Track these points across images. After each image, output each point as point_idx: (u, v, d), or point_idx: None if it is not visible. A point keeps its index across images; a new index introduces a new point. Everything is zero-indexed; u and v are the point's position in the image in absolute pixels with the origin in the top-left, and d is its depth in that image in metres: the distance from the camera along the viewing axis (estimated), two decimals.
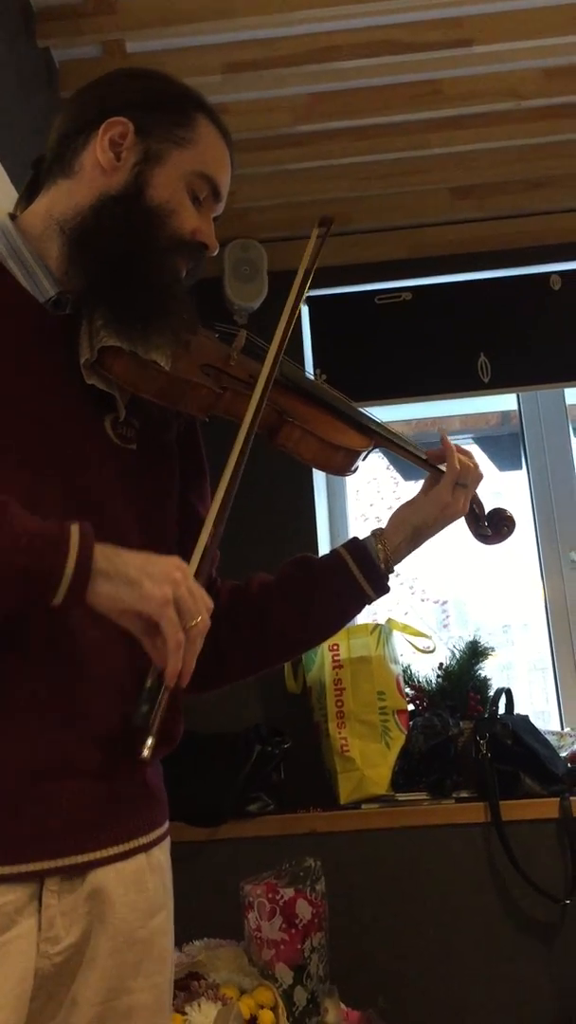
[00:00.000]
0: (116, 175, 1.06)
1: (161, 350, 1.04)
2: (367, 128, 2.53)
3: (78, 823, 0.95)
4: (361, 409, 1.25)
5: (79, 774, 0.96)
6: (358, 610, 1.21)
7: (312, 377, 1.25)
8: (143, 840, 1.02)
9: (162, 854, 1.07)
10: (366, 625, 2.51)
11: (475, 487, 1.22)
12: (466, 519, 1.28)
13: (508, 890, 2.23)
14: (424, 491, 1.23)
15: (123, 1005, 0.97)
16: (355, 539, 1.21)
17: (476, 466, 1.21)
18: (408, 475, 3.26)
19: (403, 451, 1.23)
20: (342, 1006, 1.97)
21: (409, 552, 1.21)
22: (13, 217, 1.10)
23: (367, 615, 2.98)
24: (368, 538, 1.21)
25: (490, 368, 2.83)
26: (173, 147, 1.08)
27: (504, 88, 2.41)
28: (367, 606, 1.21)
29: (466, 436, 3.78)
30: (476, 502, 1.27)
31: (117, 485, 1.06)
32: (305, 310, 2.93)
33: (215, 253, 1.14)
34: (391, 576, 1.20)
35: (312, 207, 2.82)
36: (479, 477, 1.21)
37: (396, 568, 1.22)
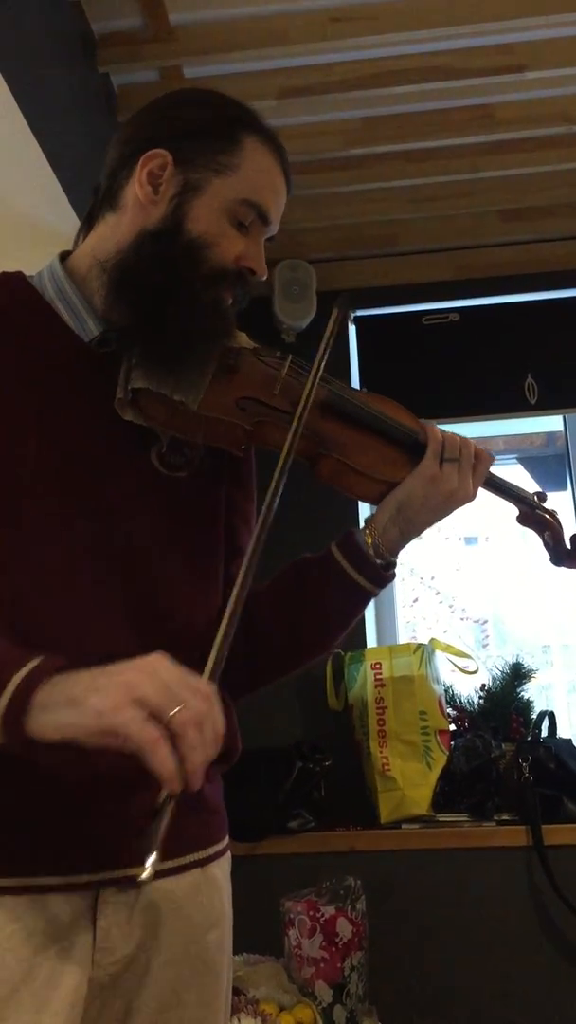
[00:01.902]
0: (155, 209, 1.04)
1: (189, 389, 1.02)
2: (418, 152, 2.56)
3: (134, 836, 0.95)
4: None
5: (137, 788, 0.95)
6: (361, 606, 1.12)
7: (358, 393, 1.17)
8: (199, 855, 1.02)
9: (219, 870, 1.06)
10: (409, 645, 2.51)
11: (472, 464, 1.12)
12: (544, 544, 1.21)
13: (549, 915, 2.22)
14: None
15: (175, 1018, 0.97)
16: (349, 531, 1.13)
17: (466, 442, 1.12)
18: None
19: (387, 437, 1.13)
20: None
21: (403, 535, 1.10)
22: (64, 257, 1.11)
23: (408, 634, 3.01)
24: (360, 528, 1.12)
25: (537, 389, 2.83)
26: (213, 176, 1.04)
27: (555, 113, 2.42)
28: (372, 598, 1.11)
29: (510, 456, 3.78)
30: (552, 528, 1.20)
31: (166, 519, 1.05)
32: (352, 330, 2.96)
33: (264, 278, 1.10)
34: (389, 563, 1.11)
35: (361, 228, 2.86)
36: (474, 454, 1.12)
37: (396, 555, 1.12)
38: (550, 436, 3.64)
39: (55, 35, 1.97)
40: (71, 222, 1.90)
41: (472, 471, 1.12)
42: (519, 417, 2.92)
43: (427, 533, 1.15)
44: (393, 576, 1.12)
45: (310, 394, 1.07)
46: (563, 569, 1.24)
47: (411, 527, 1.11)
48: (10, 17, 1.72)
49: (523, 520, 1.23)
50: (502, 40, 2.22)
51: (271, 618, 1.11)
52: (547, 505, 1.24)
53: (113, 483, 1.03)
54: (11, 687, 0.79)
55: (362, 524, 1.13)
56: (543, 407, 2.84)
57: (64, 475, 1.00)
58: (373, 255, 2.89)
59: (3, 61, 1.61)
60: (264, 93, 2.30)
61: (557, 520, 1.23)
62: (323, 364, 1.10)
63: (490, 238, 2.86)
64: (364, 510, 2.82)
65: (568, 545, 1.22)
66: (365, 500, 1.16)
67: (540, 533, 1.23)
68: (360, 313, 2.95)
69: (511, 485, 1.22)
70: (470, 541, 4.07)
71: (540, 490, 1.25)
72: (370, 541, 1.10)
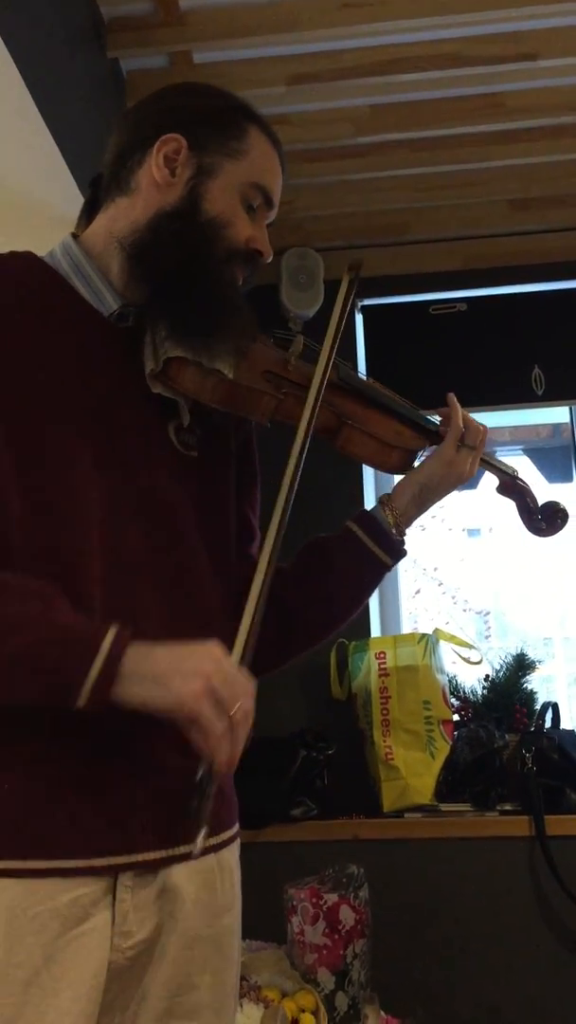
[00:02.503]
0: (171, 191, 1.09)
1: (224, 359, 1.07)
2: (427, 140, 2.54)
3: (153, 821, 0.98)
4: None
5: (155, 773, 0.98)
6: (377, 579, 1.20)
7: (366, 379, 1.26)
8: (213, 841, 1.03)
9: (231, 856, 1.08)
10: (413, 635, 2.52)
11: (481, 447, 1.21)
12: (520, 512, 1.30)
13: (551, 904, 2.23)
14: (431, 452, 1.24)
15: (189, 1001, 0.99)
16: (363, 510, 1.21)
17: (476, 426, 1.21)
18: None
19: (416, 424, 1.23)
20: (382, 1013, 1.98)
21: (418, 513, 1.20)
22: (75, 237, 1.14)
23: (411, 625, 3.01)
24: (375, 507, 1.21)
25: (544, 380, 2.82)
26: (226, 160, 1.10)
27: (566, 102, 2.40)
28: (388, 572, 1.20)
29: (516, 448, 3.77)
30: (530, 496, 1.28)
31: (180, 490, 1.09)
32: (359, 319, 2.95)
33: (270, 260, 1.16)
34: (404, 538, 1.20)
35: (369, 217, 2.84)
36: (480, 438, 1.21)
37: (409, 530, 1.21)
38: (556, 428, 3.63)
39: (65, 20, 1.96)
40: (78, 205, 1.90)
41: (480, 452, 1.22)
42: (525, 408, 2.92)
43: (431, 523, 1.21)
44: (406, 552, 1.20)
45: (330, 358, 1.13)
46: (540, 537, 1.31)
47: (426, 504, 1.20)
48: (21, 1, 1.71)
49: (503, 489, 1.32)
50: (513, 28, 2.20)
51: (299, 594, 1.17)
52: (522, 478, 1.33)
53: (138, 449, 1.07)
54: (101, 657, 0.88)
55: (372, 505, 1.21)
56: (550, 398, 2.83)
57: (91, 438, 1.03)
58: (381, 244, 2.88)
59: (14, 45, 1.60)
60: (274, 79, 2.29)
61: (532, 490, 1.31)
62: (340, 330, 1.16)
63: (499, 228, 2.84)
64: (368, 497, 2.82)
65: (540, 515, 1.30)
66: (385, 468, 1.23)
67: (519, 502, 1.31)
68: (367, 302, 2.94)
69: (496, 459, 1.30)
70: (473, 533, 4.07)
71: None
72: (391, 519, 1.18)
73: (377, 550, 1.17)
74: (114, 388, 1.07)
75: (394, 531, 1.18)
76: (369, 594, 1.22)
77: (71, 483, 1.00)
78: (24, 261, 1.10)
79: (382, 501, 1.20)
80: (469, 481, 1.22)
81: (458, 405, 1.21)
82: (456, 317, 2.91)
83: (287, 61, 2.28)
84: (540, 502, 1.31)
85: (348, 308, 1.19)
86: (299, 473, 1.08)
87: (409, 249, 2.88)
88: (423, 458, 1.23)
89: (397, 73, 2.28)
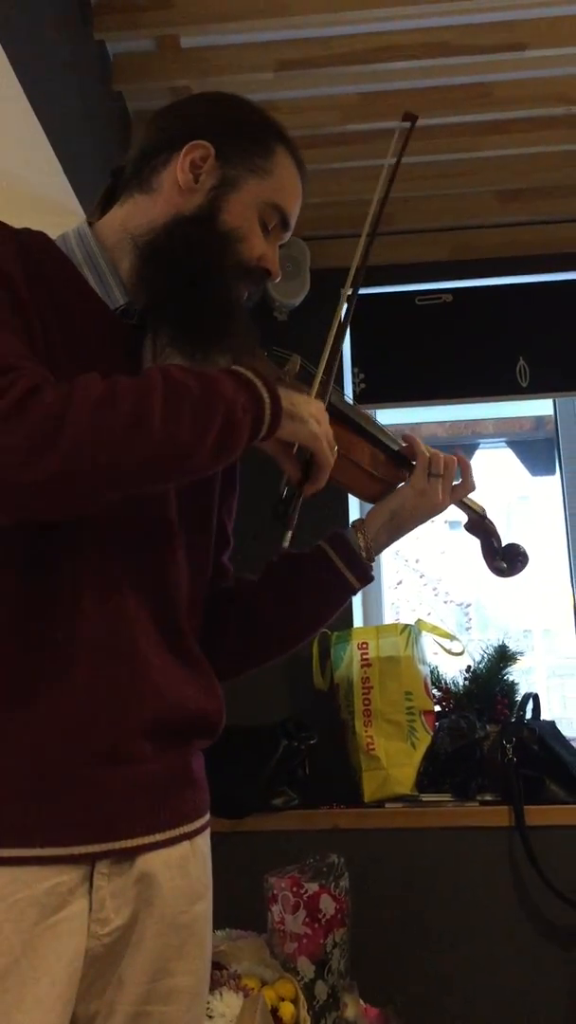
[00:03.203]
0: (193, 197, 1.09)
1: None
2: (416, 129, 2.52)
3: (129, 808, 0.99)
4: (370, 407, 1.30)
5: (131, 760, 0.99)
6: (343, 600, 1.24)
7: (352, 405, 1.31)
8: (188, 828, 1.05)
9: (204, 843, 1.10)
10: (396, 625, 2.52)
11: (451, 478, 1.26)
12: (483, 551, 1.35)
13: (530, 895, 2.24)
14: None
15: (165, 987, 1.00)
16: (336, 531, 1.25)
17: (447, 460, 1.26)
18: None
19: (397, 456, 1.28)
20: (361, 1002, 1.99)
21: (389, 541, 1.25)
22: (90, 224, 1.14)
23: (392, 616, 3.01)
24: (348, 530, 1.24)
25: (529, 373, 2.82)
26: (250, 175, 1.11)
27: (555, 93, 2.40)
28: (354, 594, 1.24)
29: (499, 440, 3.78)
30: (495, 536, 1.33)
31: (168, 494, 1.10)
32: (345, 309, 2.93)
33: (278, 280, 1.18)
34: (371, 565, 1.24)
35: (356, 206, 2.82)
36: (453, 468, 1.26)
37: (379, 558, 1.28)
38: (539, 420, 3.65)
39: (51, 1, 1.93)
40: (63, 188, 1.88)
41: (451, 485, 1.27)
42: (510, 400, 2.92)
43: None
44: (373, 577, 1.26)
45: (330, 378, 1.16)
46: (500, 578, 1.38)
47: (397, 532, 1.26)
48: None
49: (470, 527, 1.38)
50: (503, 18, 2.19)
51: (267, 605, 1.22)
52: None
53: None
54: (268, 397, 1.00)
55: (348, 527, 1.25)
56: (534, 390, 2.83)
57: None
58: (368, 233, 2.87)
59: None
60: (262, 65, 2.27)
61: (498, 531, 1.37)
62: (339, 350, 1.20)
63: (486, 219, 2.84)
64: (352, 511, 2.82)
65: (502, 555, 1.36)
66: (364, 497, 1.28)
67: (484, 541, 1.37)
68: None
69: (467, 496, 1.35)
70: (454, 525, 4.07)
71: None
72: (363, 543, 1.23)
73: (347, 572, 1.21)
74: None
75: (364, 555, 1.22)
76: (332, 614, 1.25)
77: None
78: (41, 242, 1.10)
79: (355, 526, 1.24)
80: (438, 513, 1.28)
81: (417, 439, 1.27)
82: (442, 308, 2.90)
83: (276, 47, 2.26)
84: (504, 543, 1.36)
85: (348, 314, 1.23)
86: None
87: (396, 239, 2.86)
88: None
89: (386, 61, 2.26)
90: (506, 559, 1.34)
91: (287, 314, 2.79)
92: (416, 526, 1.26)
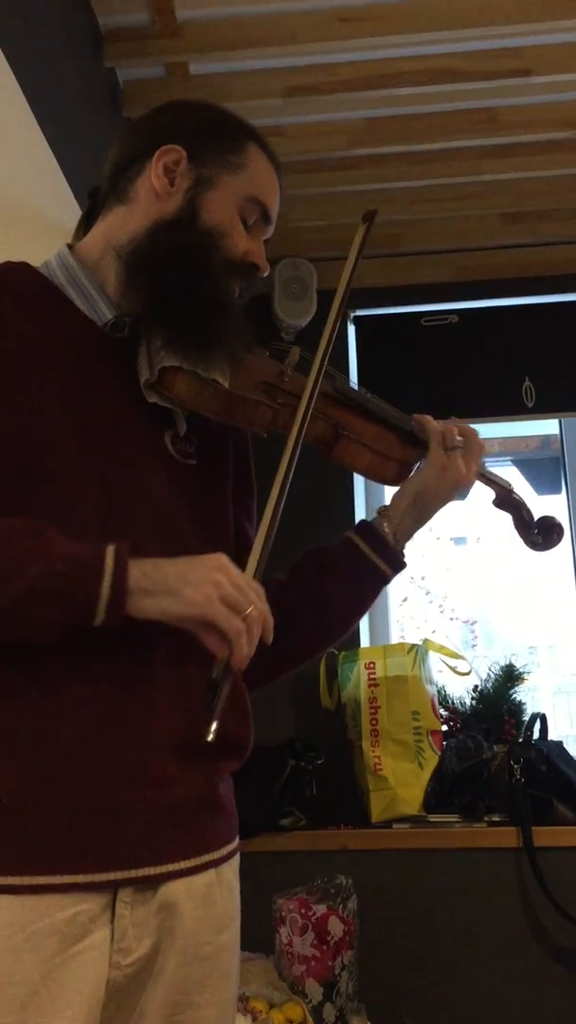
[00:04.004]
0: (170, 200, 1.09)
1: (219, 368, 1.07)
2: (422, 153, 2.56)
3: (153, 835, 0.96)
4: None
5: (154, 783, 0.97)
6: (376, 589, 1.19)
7: (360, 390, 1.26)
8: (214, 856, 1.03)
9: (231, 871, 1.07)
10: (403, 645, 2.52)
11: (472, 450, 1.19)
12: (516, 526, 1.29)
13: (538, 916, 2.23)
14: None
15: (188, 1020, 0.97)
16: (363, 520, 1.21)
17: (464, 430, 1.20)
18: None
19: (411, 436, 1.22)
20: None
21: (417, 522, 1.19)
22: (71, 247, 1.14)
23: (398, 633, 3.01)
24: (375, 517, 1.20)
25: (535, 392, 2.83)
26: (224, 172, 1.11)
27: (559, 118, 2.43)
28: (387, 583, 1.19)
29: (505, 459, 3.79)
30: (525, 510, 1.29)
31: (181, 500, 1.09)
32: (352, 330, 2.96)
33: (266, 274, 1.17)
34: (403, 549, 1.19)
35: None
36: (469, 440, 1.19)
37: (408, 541, 1.20)
38: (545, 439, 3.65)
39: (63, 29, 1.96)
40: (75, 215, 1.89)
41: (474, 456, 1.20)
42: (516, 420, 2.93)
43: (418, 533, 1.23)
44: (406, 564, 1.19)
45: (322, 365, 1.13)
46: (537, 551, 1.32)
47: (424, 514, 1.19)
48: (20, 9, 1.71)
49: (499, 503, 1.32)
50: (509, 44, 2.22)
51: (297, 603, 1.17)
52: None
53: (139, 458, 1.06)
54: (107, 577, 0.91)
55: (373, 515, 1.21)
56: (540, 410, 2.85)
57: (93, 448, 1.03)
58: (374, 255, 2.89)
59: (11, 53, 1.60)
60: (269, 91, 2.30)
61: (528, 504, 1.31)
62: (334, 336, 1.17)
63: (491, 241, 2.87)
64: (359, 507, 2.83)
65: (536, 528, 1.30)
66: (381, 479, 1.23)
67: (515, 515, 1.32)
68: (359, 313, 2.96)
69: (491, 472, 1.31)
70: (459, 541, 4.08)
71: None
72: (389, 529, 1.18)
73: (376, 559, 1.16)
74: (109, 398, 1.06)
75: (392, 541, 1.17)
76: (368, 605, 1.21)
77: (69, 489, 1.00)
78: (19, 271, 1.10)
79: (380, 512, 1.20)
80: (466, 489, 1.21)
81: (426, 416, 1.22)
82: (448, 329, 2.92)
83: (284, 73, 2.29)
84: (536, 516, 1.31)
85: (344, 303, 1.20)
86: (290, 479, 1.08)
87: (402, 261, 2.89)
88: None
89: (392, 87, 2.29)
90: (541, 531, 1.29)
91: (294, 335, 2.82)
92: (443, 505, 1.20)
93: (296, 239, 2.83)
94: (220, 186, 1.10)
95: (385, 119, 2.45)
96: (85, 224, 1.18)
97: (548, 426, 3.26)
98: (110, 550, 0.92)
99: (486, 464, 1.30)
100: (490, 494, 1.33)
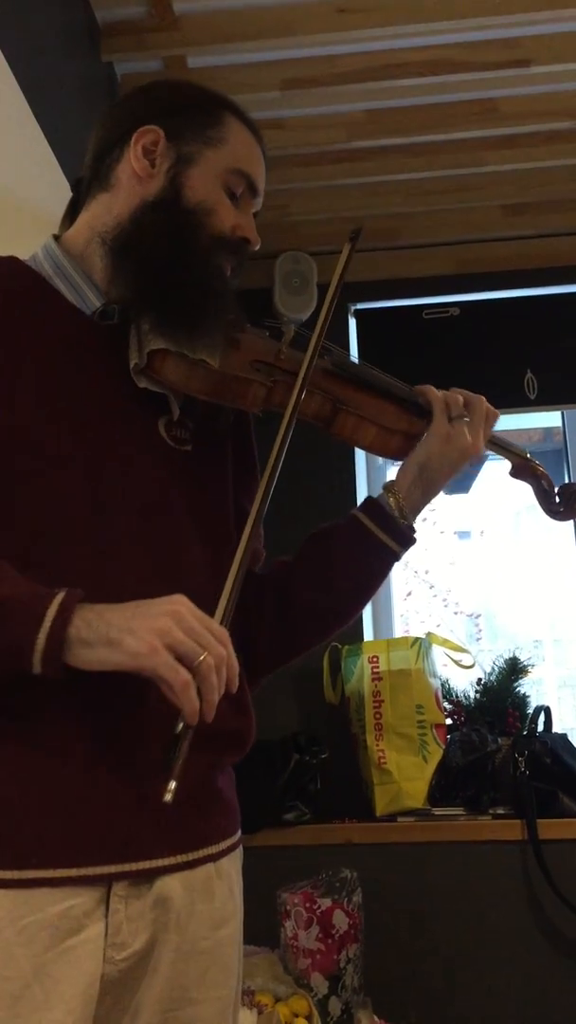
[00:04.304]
0: (152, 182, 1.08)
1: (209, 349, 1.05)
2: (422, 145, 2.55)
3: (147, 827, 0.95)
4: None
5: (149, 779, 0.93)
6: (386, 568, 1.15)
7: (359, 363, 1.23)
8: (212, 850, 1.01)
9: (231, 865, 1.05)
10: (406, 638, 2.52)
11: (480, 418, 1.15)
12: (536, 496, 1.26)
13: (543, 909, 2.23)
14: None
15: (185, 1016, 0.95)
16: (369, 497, 1.17)
17: (469, 398, 1.16)
18: None
19: (415, 406, 1.18)
20: (375, 1018, 1.98)
21: (425, 496, 1.15)
22: (56, 238, 1.13)
23: (402, 627, 3.01)
24: (381, 494, 1.16)
25: (537, 385, 2.83)
26: (204, 147, 1.09)
27: (560, 108, 2.42)
28: (397, 560, 1.15)
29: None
30: (545, 478, 1.25)
31: (174, 489, 1.07)
32: (352, 323, 2.95)
33: (258, 247, 1.14)
34: (413, 525, 1.15)
35: (363, 222, 2.82)
36: (475, 408, 1.16)
37: (417, 516, 1.16)
38: (548, 432, 3.65)
39: (60, 23, 1.96)
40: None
41: (481, 425, 1.16)
42: (518, 412, 2.92)
43: (422, 527, 1.19)
44: (416, 539, 1.15)
45: (320, 336, 1.10)
46: (559, 521, 1.28)
47: (431, 487, 1.15)
48: (16, 4, 1.71)
49: (517, 472, 1.28)
50: (508, 34, 2.21)
51: (303, 584, 1.14)
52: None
53: (129, 449, 1.05)
54: (46, 626, 0.86)
55: (379, 491, 1.17)
56: (542, 402, 2.84)
57: (78, 441, 1.01)
58: (375, 248, 2.89)
59: (9, 48, 1.60)
60: (268, 84, 2.30)
61: (546, 472, 1.27)
62: (331, 311, 1.13)
63: (492, 233, 2.86)
64: (360, 486, 2.82)
65: (558, 497, 1.26)
66: (387, 454, 1.19)
67: (534, 484, 1.28)
68: (361, 306, 2.95)
69: (507, 440, 1.26)
70: (463, 535, 4.08)
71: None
72: (395, 504, 1.14)
73: (383, 536, 1.13)
74: (100, 387, 1.05)
75: (399, 516, 1.13)
76: (377, 584, 1.17)
77: (58, 484, 0.98)
78: (5, 265, 1.09)
79: (386, 487, 1.16)
80: (479, 458, 1.17)
81: (429, 386, 1.18)
82: (449, 321, 2.91)
83: (282, 66, 2.28)
84: (556, 485, 1.27)
85: (340, 285, 1.17)
86: (283, 455, 1.05)
87: (403, 253, 2.88)
88: None
89: (392, 78, 2.29)
90: (563, 499, 1.25)
91: (297, 337, 2.81)
92: (451, 476, 1.15)
93: (296, 233, 2.82)
94: (201, 162, 1.09)
95: (385, 111, 2.44)
96: (71, 215, 1.17)
97: (551, 418, 3.25)
98: (57, 598, 0.87)
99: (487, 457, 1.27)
100: (505, 467, 1.28)
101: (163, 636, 0.86)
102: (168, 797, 0.84)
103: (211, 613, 0.94)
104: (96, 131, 1.15)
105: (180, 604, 0.89)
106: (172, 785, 0.85)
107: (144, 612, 0.88)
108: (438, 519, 3.47)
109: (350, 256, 1.17)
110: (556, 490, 1.26)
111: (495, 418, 1.19)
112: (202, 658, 0.86)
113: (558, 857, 2.22)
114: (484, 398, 1.18)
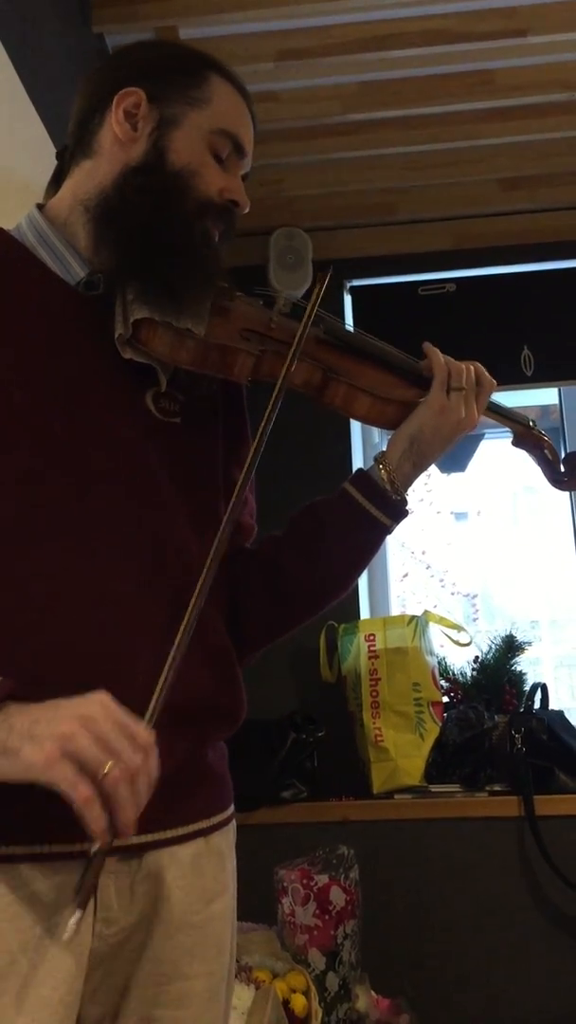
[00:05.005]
0: (135, 146, 1.05)
1: (195, 317, 1.02)
2: (417, 118, 2.52)
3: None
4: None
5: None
6: (377, 541, 1.13)
7: (353, 330, 1.19)
8: (202, 824, 1.00)
9: (223, 839, 1.04)
10: (403, 616, 2.52)
11: (477, 391, 1.13)
12: (539, 464, 1.24)
13: (540, 884, 2.24)
14: None
15: (176, 991, 0.95)
16: (359, 469, 1.14)
17: (473, 369, 1.14)
18: None
19: (412, 374, 1.15)
20: (372, 993, 1.99)
21: (416, 468, 1.12)
22: (40, 207, 1.10)
23: (399, 608, 3.01)
24: (371, 466, 1.13)
25: (534, 362, 2.81)
26: (188, 108, 1.06)
27: (556, 79, 2.39)
28: (389, 534, 1.12)
29: (504, 430, 3.77)
30: (548, 446, 1.23)
31: (159, 458, 1.04)
32: (348, 300, 2.93)
33: (247, 210, 1.11)
34: (405, 498, 1.12)
35: (358, 196, 2.82)
36: (478, 379, 1.13)
37: (408, 489, 1.13)
38: (544, 409, 3.63)
39: None
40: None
41: (476, 399, 1.14)
42: (515, 389, 2.90)
43: (418, 507, 1.15)
44: (408, 511, 1.13)
45: (312, 311, 1.07)
46: (562, 490, 1.28)
47: (423, 459, 1.12)
48: None
49: (519, 441, 1.26)
50: (503, 4, 2.18)
51: (292, 558, 1.12)
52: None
53: (115, 420, 1.02)
54: None
55: (370, 463, 1.14)
56: (539, 379, 2.82)
57: (63, 414, 0.98)
58: (370, 224, 2.86)
59: None
60: (261, 55, 2.26)
61: (549, 440, 1.25)
62: (323, 289, 1.10)
63: (489, 207, 2.82)
64: (356, 458, 2.80)
65: (562, 466, 1.25)
66: (378, 424, 1.17)
67: (536, 453, 1.26)
68: (356, 282, 2.92)
69: (507, 408, 1.24)
70: (460, 516, 4.07)
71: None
72: (385, 476, 1.11)
73: (373, 509, 1.10)
74: (86, 358, 1.02)
75: (389, 488, 1.10)
76: (369, 558, 1.15)
77: (43, 458, 0.96)
78: None
79: (377, 459, 1.13)
80: (473, 430, 1.14)
81: (436, 350, 1.15)
82: (445, 298, 2.89)
83: (275, 36, 2.25)
84: (560, 454, 1.25)
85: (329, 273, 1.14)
86: (270, 426, 1.01)
87: (398, 229, 2.86)
88: None
89: (386, 50, 2.25)
90: (569, 468, 1.24)
91: (289, 306, 2.78)
92: (445, 448, 1.12)
93: (290, 208, 2.79)
94: (185, 124, 1.05)
95: (379, 83, 2.41)
96: (55, 184, 1.13)
97: (547, 395, 3.23)
98: None
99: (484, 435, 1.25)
100: (502, 446, 1.28)
101: (67, 742, 0.77)
102: (66, 936, 0.80)
103: (190, 604, 0.90)
104: (78, 97, 1.12)
105: (95, 705, 0.81)
106: (72, 920, 0.78)
107: (51, 715, 0.79)
108: (435, 499, 3.46)
109: (319, 296, 1.10)
110: (561, 458, 1.25)
111: (492, 388, 1.17)
112: (106, 770, 0.77)
113: (555, 833, 2.22)
114: (481, 366, 1.16)
